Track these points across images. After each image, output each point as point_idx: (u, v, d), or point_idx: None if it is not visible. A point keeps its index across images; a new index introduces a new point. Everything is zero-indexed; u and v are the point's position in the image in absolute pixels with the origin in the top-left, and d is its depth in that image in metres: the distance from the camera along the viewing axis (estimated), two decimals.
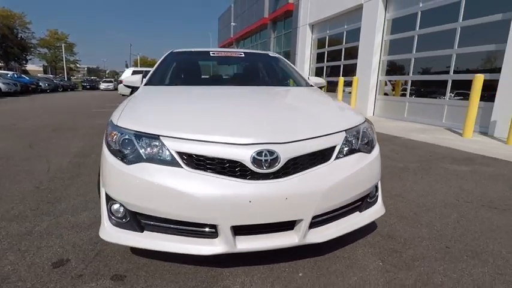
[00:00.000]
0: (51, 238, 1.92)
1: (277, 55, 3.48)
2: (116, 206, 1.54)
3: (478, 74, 5.81)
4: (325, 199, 1.48)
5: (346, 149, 1.63)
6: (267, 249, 1.48)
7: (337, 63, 12.05)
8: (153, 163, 1.43)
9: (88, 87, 36.12)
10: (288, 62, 3.31)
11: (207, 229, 1.46)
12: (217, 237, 1.45)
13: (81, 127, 6.52)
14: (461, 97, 7.32)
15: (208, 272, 1.61)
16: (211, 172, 1.40)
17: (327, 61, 12.89)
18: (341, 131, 1.65)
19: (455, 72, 7.31)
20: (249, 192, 1.37)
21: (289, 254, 1.73)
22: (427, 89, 8.48)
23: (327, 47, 12.78)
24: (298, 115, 1.88)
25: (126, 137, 1.52)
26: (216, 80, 3.37)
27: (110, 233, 1.53)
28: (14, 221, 2.14)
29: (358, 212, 1.73)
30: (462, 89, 7.31)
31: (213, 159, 1.41)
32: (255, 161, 1.39)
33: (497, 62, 6.37)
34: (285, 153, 1.43)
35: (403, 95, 9.13)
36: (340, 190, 1.53)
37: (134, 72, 12.78)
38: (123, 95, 13.25)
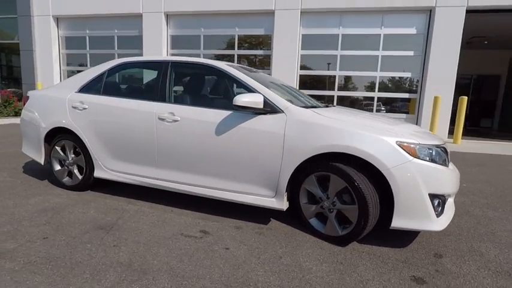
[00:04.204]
0: None
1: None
2: (436, 202, 2.20)
3: None
4: None
5: None
6: None
7: None
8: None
9: None
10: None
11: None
12: (446, 202, 2.62)
13: None
14: None
15: None
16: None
17: (91, 65, 11.43)
18: None
19: None
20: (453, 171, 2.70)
21: None
22: None
23: (88, 48, 11.25)
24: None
25: (428, 150, 2.23)
26: None
27: (445, 224, 2.22)
28: None
29: None
30: None
31: None
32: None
33: None
34: None
35: None
36: None
37: None
38: None
